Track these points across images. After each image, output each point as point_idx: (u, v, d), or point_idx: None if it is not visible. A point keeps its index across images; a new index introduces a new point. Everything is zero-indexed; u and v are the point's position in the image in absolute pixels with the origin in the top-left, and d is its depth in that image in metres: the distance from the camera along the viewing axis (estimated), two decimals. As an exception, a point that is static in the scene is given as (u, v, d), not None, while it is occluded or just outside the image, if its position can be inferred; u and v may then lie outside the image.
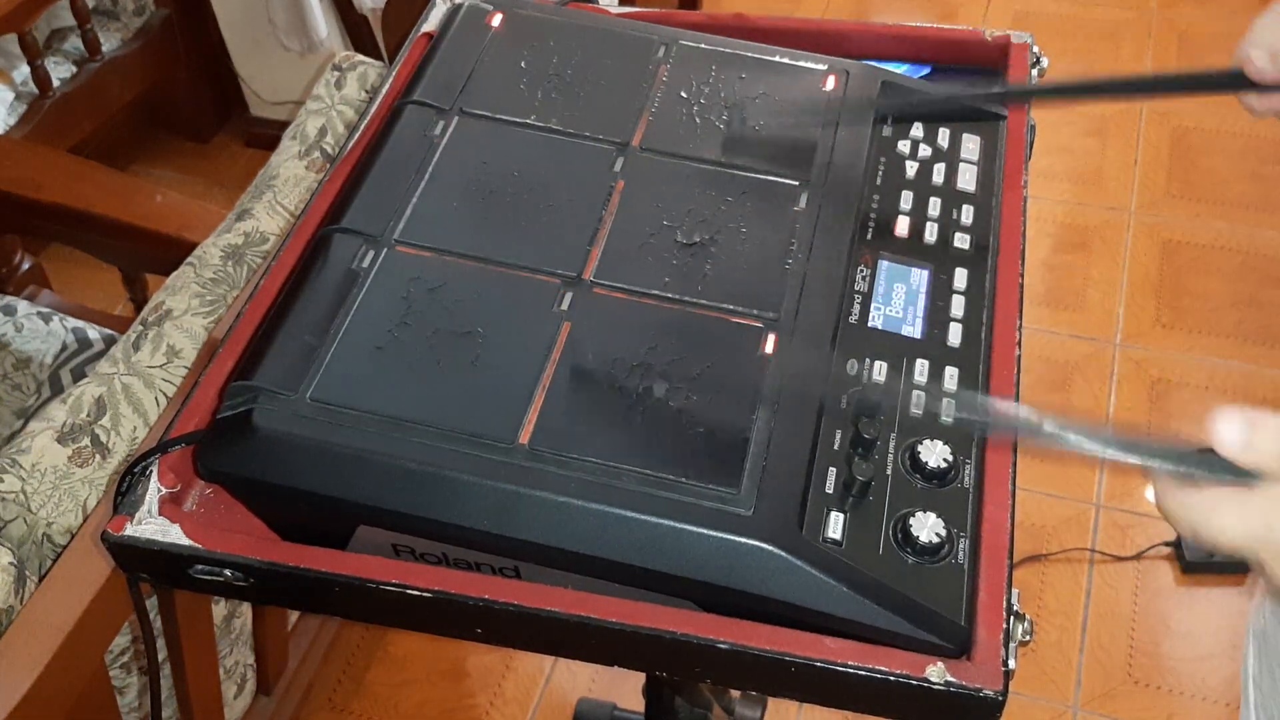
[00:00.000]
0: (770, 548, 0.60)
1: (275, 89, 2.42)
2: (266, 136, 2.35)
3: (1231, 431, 0.51)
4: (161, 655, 1.08)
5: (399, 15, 2.18)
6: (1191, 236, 2.24)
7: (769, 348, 0.69)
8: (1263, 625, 0.82)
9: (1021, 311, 0.74)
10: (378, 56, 2.10)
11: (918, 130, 0.84)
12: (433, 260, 0.73)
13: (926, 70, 0.93)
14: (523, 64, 0.85)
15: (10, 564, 0.92)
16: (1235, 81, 0.78)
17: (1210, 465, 0.51)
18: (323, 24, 2.17)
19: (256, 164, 1.31)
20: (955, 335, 0.73)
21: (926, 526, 0.63)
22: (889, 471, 0.66)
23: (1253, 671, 0.83)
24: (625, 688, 1.57)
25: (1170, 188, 2.34)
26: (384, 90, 0.87)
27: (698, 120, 0.82)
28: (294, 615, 1.43)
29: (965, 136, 0.84)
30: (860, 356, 0.71)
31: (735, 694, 1.14)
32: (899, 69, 0.92)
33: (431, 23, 0.92)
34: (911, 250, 0.78)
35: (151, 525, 0.64)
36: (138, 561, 0.65)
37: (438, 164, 0.78)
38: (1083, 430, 0.54)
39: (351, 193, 0.77)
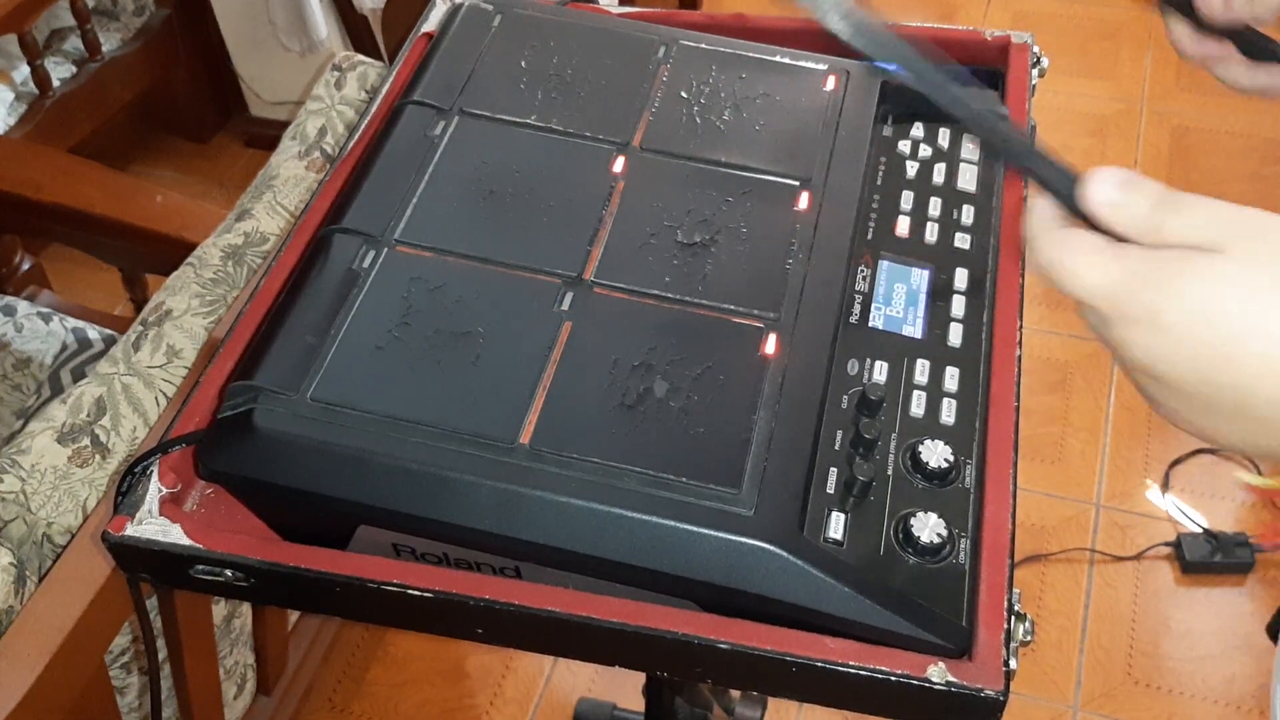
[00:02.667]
0: (771, 548, 0.60)
1: (275, 89, 2.42)
2: (266, 136, 2.35)
3: (1105, 189, 0.49)
4: (161, 655, 1.08)
5: (399, 15, 2.18)
6: (1191, 236, 2.24)
7: (770, 348, 0.69)
8: None
9: (1022, 311, 0.74)
10: (378, 56, 2.10)
11: (918, 130, 0.84)
12: (433, 260, 0.73)
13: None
14: (523, 64, 0.85)
15: (10, 564, 0.92)
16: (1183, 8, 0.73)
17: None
18: (323, 24, 2.18)
19: (256, 164, 1.31)
20: (956, 335, 0.73)
21: (927, 526, 0.63)
22: (890, 471, 0.66)
23: None
24: (625, 688, 1.57)
25: (1170, 187, 2.34)
26: (384, 90, 0.87)
27: (698, 120, 0.82)
28: (294, 615, 1.43)
29: (966, 136, 0.84)
30: (861, 356, 0.71)
31: (735, 694, 1.14)
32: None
33: (431, 23, 0.92)
34: (912, 250, 0.78)
35: (152, 525, 0.64)
36: (138, 561, 0.65)
37: (438, 164, 0.78)
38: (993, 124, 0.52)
39: (352, 193, 0.77)
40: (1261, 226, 0.47)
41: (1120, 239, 0.48)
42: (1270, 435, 0.47)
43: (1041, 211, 0.51)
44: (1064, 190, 0.50)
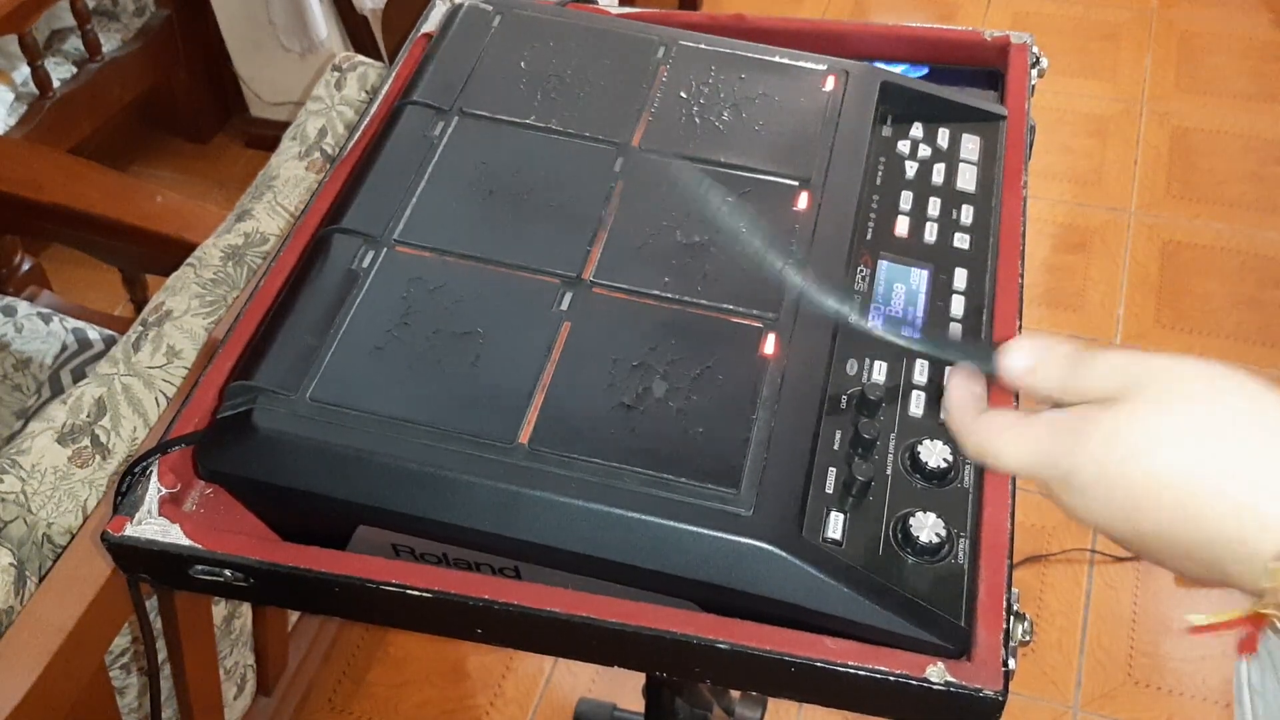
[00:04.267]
0: (770, 548, 0.60)
1: (275, 89, 2.42)
2: (266, 137, 2.35)
3: (1020, 357, 0.51)
4: (161, 655, 1.08)
5: (399, 15, 2.18)
6: (1191, 237, 2.24)
7: (769, 348, 0.69)
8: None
9: (1021, 311, 0.74)
10: (378, 57, 2.10)
11: (918, 130, 0.84)
12: (433, 260, 0.73)
13: (924, 70, 0.93)
14: (523, 64, 0.85)
15: (10, 564, 0.92)
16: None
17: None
18: (323, 24, 2.18)
19: (256, 164, 1.31)
20: (956, 335, 0.73)
21: (926, 526, 0.63)
22: (889, 471, 0.66)
23: (1253, 683, 0.82)
24: (625, 688, 1.57)
25: (1170, 188, 2.34)
26: (384, 90, 0.87)
27: (698, 120, 0.82)
28: (294, 615, 1.44)
29: (965, 136, 0.84)
30: (860, 356, 0.71)
31: (735, 694, 1.14)
32: (898, 69, 0.92)
33: (431, 23, 0.92)
34: (911, 250, 0.78)
35: (151, 525, 0.64)
36: (138, 562, 0.65)
37: (438, 164, 0.78)
38: (893, 323, 0.54)
39: (351, 193, 0.77)
40: (1168, 369, 0.48)
41: (1042, 404, 0.51)
42: (1214, 567, 0.48)
43: (959, 399, 0.53)
44: (984, 366, 0.52)
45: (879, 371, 0.70)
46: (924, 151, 0.83)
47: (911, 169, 0.82)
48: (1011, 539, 0.64)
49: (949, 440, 0.67)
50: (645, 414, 0.65)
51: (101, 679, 1.02)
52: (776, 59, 0.86)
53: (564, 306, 0.70)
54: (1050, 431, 0.50)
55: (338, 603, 0.65)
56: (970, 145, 0.84)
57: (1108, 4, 2.75)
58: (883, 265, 0.76)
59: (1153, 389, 0.48)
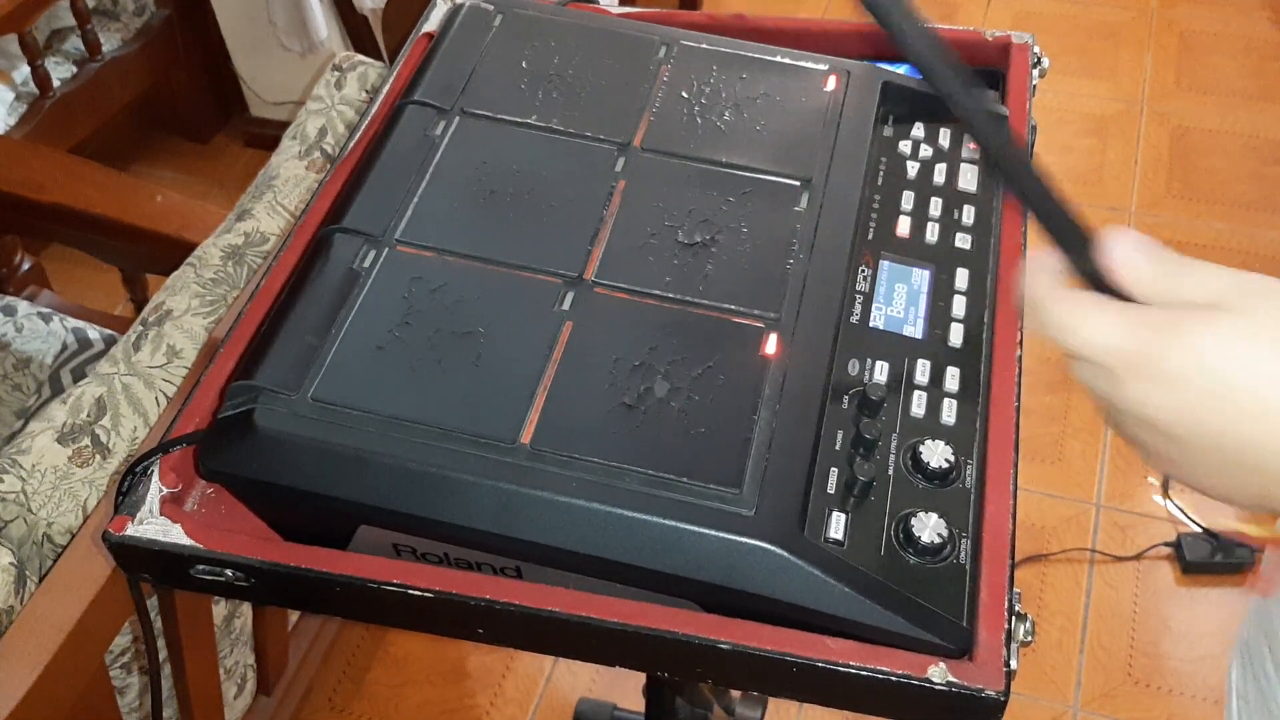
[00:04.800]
0: (772, 548, 0.60)
1: (275, 89, 2.42)
2: (266, 136, 2.35)
3: (1125, 247, 0.50)
4: (162, 655, 1.08)
5: (399, 15, 2.18)
6: (1191, 236, 2.24)
7: (770, 348, 0.69)
8: (1246, 636, 0.82)
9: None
10: (378, 56, 2.10)
11: (919, 130, 0.84)
12: (434, 260, 0.73)
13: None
14: (523, 64, 0.85)
15: (10, 564, 0.92)
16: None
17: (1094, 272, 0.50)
18: (323, 24, 2.18)
19: (256, 164, 1.31)
20: (957, 335, 0.73)
21: (928, 527, 0.63)
22: (890, 472, 0.66)
23: (1236, 683, 0.83)
24: (625, 688, 1.57)
25: (1170, 188, 2.34)
26: (384, 90, 0.87)
27: (699, 120, 0.82)
28: (294, 615, 1.43)
29: (966, 136, 0.84)
30: (862, 356, 0.71)
31: (736, 694, 1.14)
32: (898, 69, 0.92)
33: (432, 23, 0.92)
34: (913, 250, 0.78)
35: (152, 525, 0.64)
36: (138, 561, 0.65)
37: (438, 164, 0.78)
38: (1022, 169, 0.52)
39: (352, 193, 0.77)
40: (1266, 288, 0.49)
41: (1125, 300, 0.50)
42: (1266, 486, 0.48)
43: (1044, 273, 0.52)
44: (1073, 242, 0.51)
45: (880, 371, 0.70)
46: (925, 151, 0.83)
47: (913, 169, 0.82)
48: (1013, 539, 0.64)
49: (950, 440, 0.67)
50: (647, 414, 0.65)
51: (102, 678, 1.02)
52: (778, 59, 0.86)
53: (565, 306, 0.70)
54: (1149, 318, 0.49)
55: (338, 603, 0.65)
56: (971, 145, 0.84)
57: (1108, 4, 2.75)
58: (884, 265, 0.76)
59: (1258, 301, 0.49)
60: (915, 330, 0.73)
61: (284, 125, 1.34)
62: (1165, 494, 1.86)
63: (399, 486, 0.63)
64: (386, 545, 0.66)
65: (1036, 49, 0.90)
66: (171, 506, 0.66)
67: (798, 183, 0.78)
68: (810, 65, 0.86)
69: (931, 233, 0.78)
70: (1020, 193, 0.52)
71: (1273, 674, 0.76)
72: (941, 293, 0.75)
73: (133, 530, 0.64)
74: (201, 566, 0.64)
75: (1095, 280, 0.51)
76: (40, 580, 0.94)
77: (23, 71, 2.05)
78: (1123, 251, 0.50)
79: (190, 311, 1.10)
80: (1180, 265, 0.50)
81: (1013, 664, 0.59)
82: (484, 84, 0.84)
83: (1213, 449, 0.49)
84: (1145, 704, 1.64)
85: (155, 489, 0.66)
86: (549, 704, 1.66)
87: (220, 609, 1.16)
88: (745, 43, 0.87)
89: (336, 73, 1.32)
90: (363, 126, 0.84)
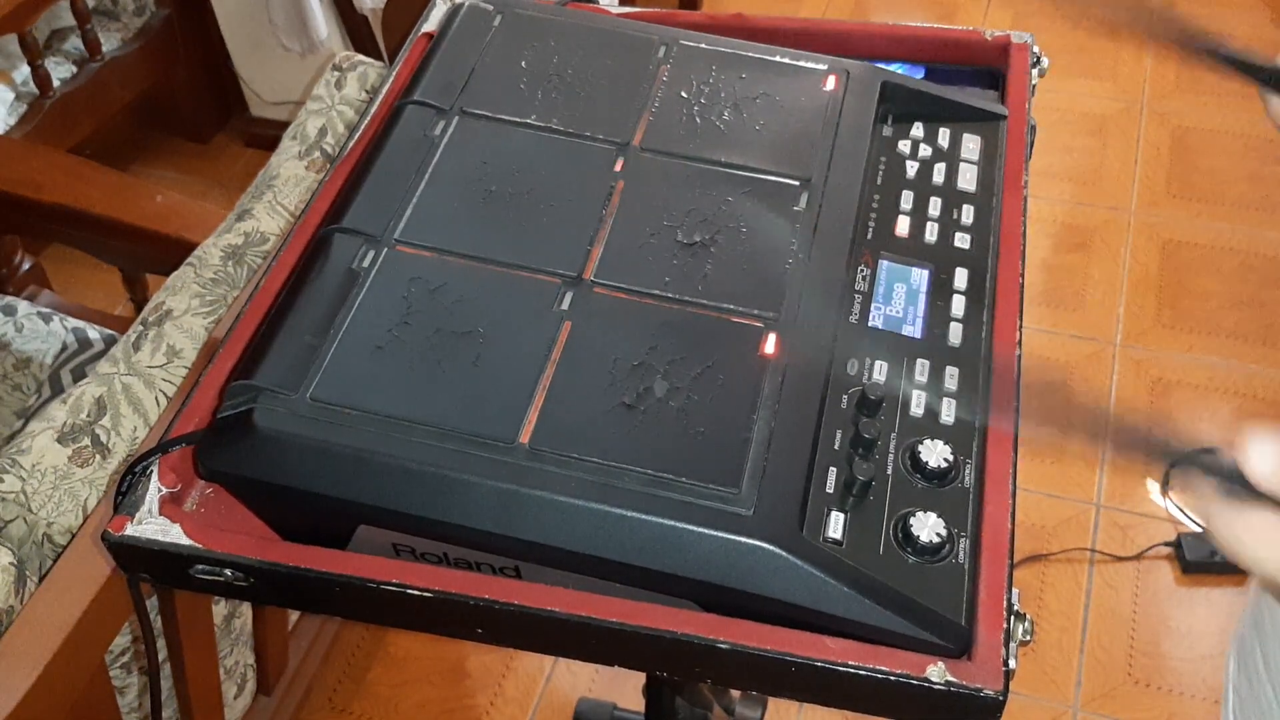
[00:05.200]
0: (771, 547, 0.60)
1: (275, 89, 2.42)
2: (266, 136, 2.35)
3: (1266, 454, 0.46)
4: (161, 655, 1.08)
5: (399, 15, 2.18)
6: (1191, 236, 2.24)
7: (769, 347, 0.69)
8: (1243, 632, 0.82)
9: (1022, 311, 0.74)
10: (378, 56, 2.10)
11: (918, 130, 0.84)
12: (433, 260, 0.73)
13: (922, 71, 0.93)
14: (523, 64, 0.85)
15: (10, 564, 0.92)
16: (1272, 81, 0.74)
17: (1234, 482, 0.47)
18: (323, 24, 2.18)
19: (256, 164, 1.31)
20: (956, 335, 0.73)
21: (927, 526, 0.63)
22: (889, 471, 0.66)
23: (1233, 677, 0.83)
24: (625, 688, 1.57)
25: (1170, 188, 2.34)
26: (384, 90, 0.87)
27: (698, 120, 0.82)
28: (294, 615, 1.43)
29: (965, 136, 0.84)
30: (861, 356, 0.71)
31: (735, 694, 1.14)
32: (897, 69, 0.92)
33: (431, 23, 0.92)
34: (912, 250, 0.78)
35: (152, 525, 0.64)
36: (138, 561, 0.65)
37: (438, 164, 0.78)
38: (1112, 427, 0.50)
39: (352, 193, 0.77)
40: None
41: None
42: None
43: (1208, 492, 0.49)
44: (1224, 470, 0.48)
45: (879, 371, 0.70)
46: (925, 151, 0.83)
47: (912, 169, 0.82)
48: (1012, 539, 0.64)
49: (949, 440, 0.67)
50: (646, 414, 0.65)
51: (102, 678, 1.02)
52: (777, 59, 0.86)
53: (564, 306, 0.70)
54: None
55: (338, 603, 0.65)
56: (971, 145, 0.84)
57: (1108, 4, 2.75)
58: (883, 265, 0.76)
59: None
60: (914, 330, 0.73)
61: (284, 125, 1.34)
62: (1165, 494, 1.86)
63: (398, 486, 0.63)
64: (386, 545, 0.66)
65: (1036, 49, 0.90)
66: (171, 506, 0.66)
67: (797, 182, 0.78)
68: (810, 65, 0.86)
69: (931, 232, 0.78)
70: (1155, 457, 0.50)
71: (1262, 669, 0.77)
72: (940, 292, 0.75)
73: (132, 530, 0.64)
74: (201, 566, 0.64)
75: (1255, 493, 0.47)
76: (40, 580, 0.94)
77: (23, 71, 2.05)
78: (1264, 463, 0.46)
79: (190, 311, 1.10)
80: None
81: (1012, 664, 0.59)
82: (484, 84, 0.84)
83: None
84: (1145, 704, 1.64)
85: (155, 489, 0.66)
86: (549, 704, 1.66)
87: (220, 609, 1.16)
88: (745, 43, 0.87)
89: (336, 73, 1.32)
90: (362, 126, 0.84)
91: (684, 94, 0.83)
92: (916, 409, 0.69)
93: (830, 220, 0.76)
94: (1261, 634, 0.77)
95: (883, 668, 0.59)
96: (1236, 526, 0.47)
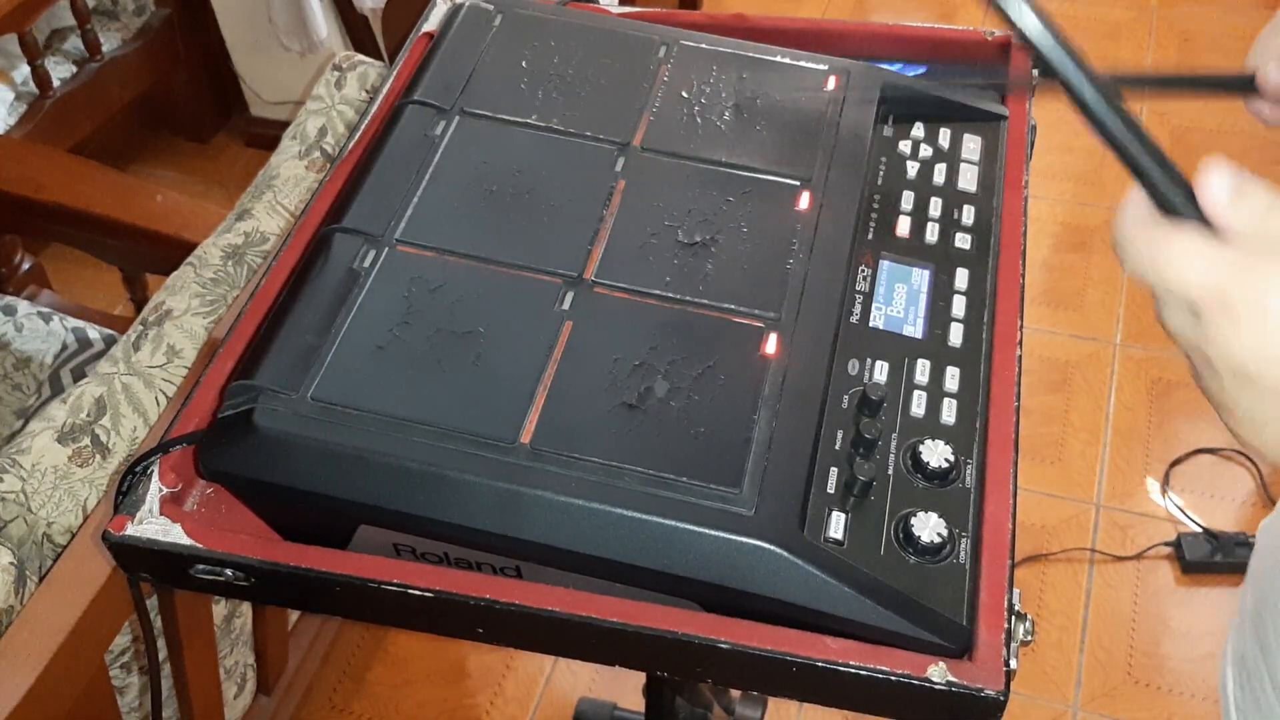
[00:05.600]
0: (772, 547, 0.60)
1: (275, 89, 2.42)
2: (266, 136, 2.35)
3: (1224, 180, 0.48)
4: (162, 655, 1.08)
5: (399, 15, 2.18)
6: (1191, 236, 2.24)
7: (770, 347, 0.69)
8: (1243, 650, 0.81)
9: (1022, 311, 0.74)
10: (378, 56, 2.10)
11: (919, 130, 0.84)
12: (434, 260, 0.73)
13: (921, 69, 0.93)
14: (523, 64, 0.85)
15: (10, 564, 0.92)
16: (1246, 87, 0.76)
17: (1187, 203, 0.48)
18: (323, 24, 2.18)
19: (256, 164, 1.31)
20: (956, 335, 0.73)
21: (928, 526, 0.63)
22: (890, 471, 0.66)
23: (1234, 696, 0.82)
24: (625, 688, 1.57)
25: (1170, 188, 2.34)
26: (384, 90, 0.87)
27: (699, 120, 0.82)
28: (294, 615, 1.43)
29: (966, 136, 0.84)
30: (861, 356, 0.71)
31: (735, 694, 1.14)
32: (898, 69, 0.92)
33: (432, 23, 0.92)
34: (913, 250, 0.78)
35: (152, 525, 0.64)
36: (138, 561, 0.65)
37: (438, 164, 0.78)
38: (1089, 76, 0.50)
39: (352, 192, 0.77)
40: None
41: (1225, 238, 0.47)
42: None
43: (1135, 209, 0.50)
44: (1166, 186, 0.49)
45: (880, 371, 0.70)
46: (925, 151, 0.83)
47: (913, 169, 0.82)
48: (1012, 539, 0.64)
49: (950, 440, 0.67)
50: (647, 414, 0.65)
51: (102, 678, 1.02)
52: (777, 59, 0.86)
53: (565, 306, 0.70)
54: (1249, 256, 0.46)
55: (339, 602, 0.65)
56: (971, 145, 0.84)
57: (1108, 3, 2.75)
58: (884, 265, 0.76)
59: None
60: (915, 330, 0.73)
61: (284, 125, 1.34)
62: (1165, 491, 1.86)
63: (399, 486, 0.63)
64: (386, 545, 0.66)
65: (1036, 49, 0.90)
66: (171, 506, 0.66)
67: (797, 182, 0.78)
68: (810, 65, 0.86)
69: (931, 233, 0.78)
70: (1104, 129, 0.50)
71: (1271, 694, 0.76)
72: (941, 292, 0.75)
73: (132, 530, 0.64)
74: (201, 566, 0.64)
75: (1185, 217, 0.48)
76: (40, 580, 0.94)
77: (23, 71, 2.05)
78: (1222, 183, 0.48)
79: (190, 311, 1.10)
80: (1275, 199, 0.47)
81: (1012, 663, 0.59)
82: (484, 84, 0.84)
83: None
84: (1145, 704, 1.64)
85: (155, 489, 0.66)
86: (549, 704, 1.66)
87: (220, 609, 1.16)
88: (745, 43, 0.87)
89: (336, 72, 1.32)
90: (363, 126, 0.84)
91: (684, 94, 0.83)
92: (917, 409, 0.69)
93: (831, 220, 0.76)
94: (1269, 654, 0.76)
95: (883, 668, 0.59)
96: (1156, 239, 0.48)
